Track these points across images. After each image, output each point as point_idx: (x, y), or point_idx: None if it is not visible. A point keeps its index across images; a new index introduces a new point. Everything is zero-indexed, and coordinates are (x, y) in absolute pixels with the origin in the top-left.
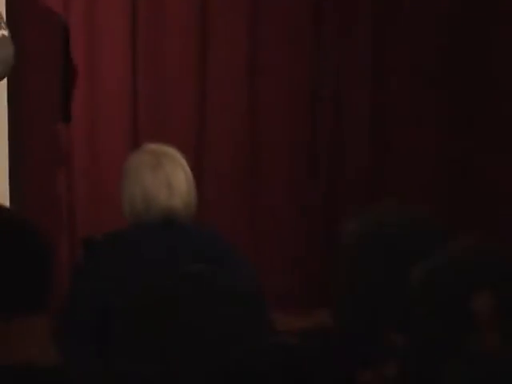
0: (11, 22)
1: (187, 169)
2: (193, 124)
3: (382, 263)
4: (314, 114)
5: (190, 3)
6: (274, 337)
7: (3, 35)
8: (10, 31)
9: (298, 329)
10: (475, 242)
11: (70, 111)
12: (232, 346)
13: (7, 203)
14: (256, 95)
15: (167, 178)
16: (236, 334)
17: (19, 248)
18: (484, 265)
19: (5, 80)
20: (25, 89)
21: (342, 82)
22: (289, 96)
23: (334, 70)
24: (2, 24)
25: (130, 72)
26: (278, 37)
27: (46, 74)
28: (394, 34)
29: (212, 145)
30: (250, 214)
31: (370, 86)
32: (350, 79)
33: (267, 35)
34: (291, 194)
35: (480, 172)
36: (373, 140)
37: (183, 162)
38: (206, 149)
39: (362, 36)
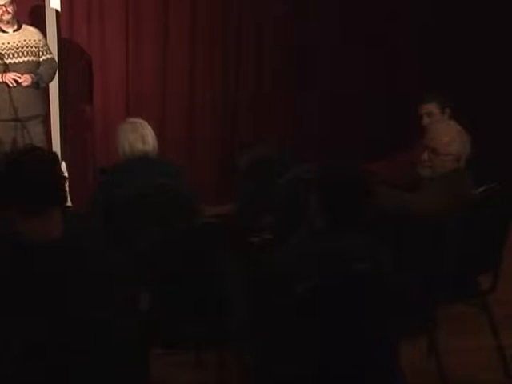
0: None
1: (151, 129)
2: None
3: (261, 177)
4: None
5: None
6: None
7: (51, 57)
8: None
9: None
10: (309, 168)
11: (92, 100)
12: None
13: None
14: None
15: (141, 135)
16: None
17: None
18: (312, 177)
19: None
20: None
21: None
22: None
23: None
24: (48, 49)
25: (125, 70)
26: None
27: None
28: None
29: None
30: (188, 148)
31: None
32: None
33: None
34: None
35: None
36: None
37: (149, 126)
38: (165, 112)
39: None
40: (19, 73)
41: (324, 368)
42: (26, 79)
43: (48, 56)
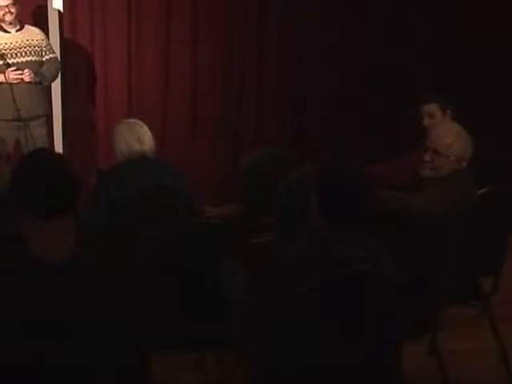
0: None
1: (147, 130)
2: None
3: (263, 178)
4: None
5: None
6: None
7: (54, 57)
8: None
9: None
10: (310, 168)
11: (94, 100)
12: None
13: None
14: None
15: (137, 136)
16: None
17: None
18: (313, 178)
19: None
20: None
21: None
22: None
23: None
24: (51, 49)
25: (127, 70)
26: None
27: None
28: None
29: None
30: (190, 148)
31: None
32: None
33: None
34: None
35: None
36: None
37: (145, 126)
38: (167, 112)
39: None
40: None
41: (325, 368)
42: (29, 74)
43: (51, 55)
